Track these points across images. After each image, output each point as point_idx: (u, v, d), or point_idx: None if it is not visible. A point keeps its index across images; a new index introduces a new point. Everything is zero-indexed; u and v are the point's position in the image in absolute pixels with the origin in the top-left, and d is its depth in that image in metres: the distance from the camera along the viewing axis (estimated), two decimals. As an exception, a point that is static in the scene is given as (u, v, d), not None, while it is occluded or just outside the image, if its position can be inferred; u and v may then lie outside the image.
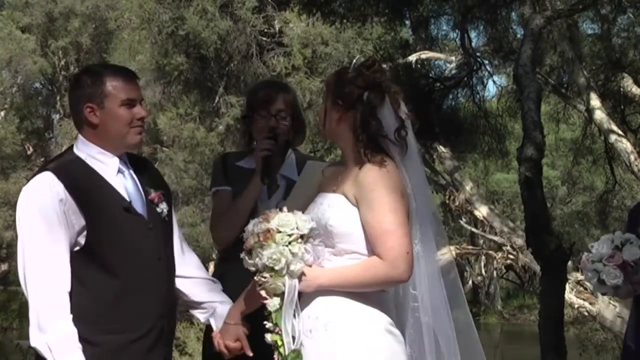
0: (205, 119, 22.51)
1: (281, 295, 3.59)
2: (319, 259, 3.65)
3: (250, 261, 3.60)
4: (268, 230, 3.56)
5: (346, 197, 3.67)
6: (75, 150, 3.87)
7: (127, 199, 3.82)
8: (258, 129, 4.62)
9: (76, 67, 35.46)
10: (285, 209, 3.64)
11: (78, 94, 3.85)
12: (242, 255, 3.63)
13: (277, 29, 19.11)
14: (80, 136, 3.87)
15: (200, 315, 4.08)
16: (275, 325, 3.60)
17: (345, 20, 13.51)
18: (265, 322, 3.63)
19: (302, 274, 3.60)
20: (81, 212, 3.71)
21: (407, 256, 3.59)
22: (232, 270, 4.24)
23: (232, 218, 4.53)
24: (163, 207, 3.92)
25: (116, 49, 28.78)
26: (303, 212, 3.77)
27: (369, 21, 14.16)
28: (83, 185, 3.75)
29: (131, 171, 3.91)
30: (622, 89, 15.37)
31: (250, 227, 3.63)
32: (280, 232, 3.56)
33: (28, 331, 3.70)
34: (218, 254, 4.73)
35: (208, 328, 4.39)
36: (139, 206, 3.85)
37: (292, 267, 3.56)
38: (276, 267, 3.55)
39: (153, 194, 3.90)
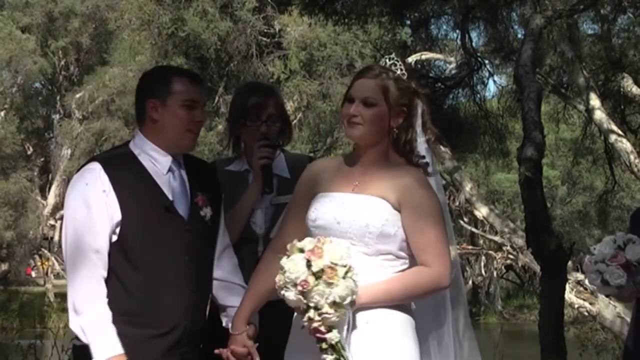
0: (205, 118, 22.56)
1: (336, 325, 3.52)
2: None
3: (305, 301, 3.46)
4: (331, 268, 3.46)
5: (386, 199, 3.64)
6: (130, 144, 3.96)
7: (170, 199, 3.86)
8: (250, 134, 4.62)
9: (76, 67, 35.51)
10: (328, 239, 3.53)
11: (143, 89, 3.95)
12: (294, 296, 3.48)
13: (277, 29, 19.12)
14: (138, 131, 3.96)
15: (223, 318, 4.09)
16: (341, 356, 3.52)
17: (346, 20, 13.51)
18: (324, 357, 3.52)
19: None
20: (120, 205, 3.78)
21: (451, 264, 3.63)
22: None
23: (229, 227, 4.53)
24: (207, 211, 3.95)
25: (116, 49, 28.78)
26: (307, 211, 3.75)
27: (370, 21, 14.16)
28: (127, 180, 3.82)
29: (182, 172, 3.95)
30: (622, 89, 15.37)
31: (299, 267, 3.48)
32: (336, 265, 3.47)
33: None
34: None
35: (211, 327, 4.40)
36: (181, 207, 3.89)
37: (354, 297, 3.51)
38: (345, 302, 3.47)
39: (199, 197, 3.94)
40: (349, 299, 3.47)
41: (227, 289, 4.06)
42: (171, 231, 3.84)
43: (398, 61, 3.76)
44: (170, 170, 3.91)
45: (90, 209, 3.77)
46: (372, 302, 3.58)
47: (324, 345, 3.52)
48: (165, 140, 3.90)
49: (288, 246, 3.55)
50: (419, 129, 3.76)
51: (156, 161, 3.89)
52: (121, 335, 3.73)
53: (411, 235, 3.61)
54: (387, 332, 3.60)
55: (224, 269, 4.07)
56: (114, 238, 3.79)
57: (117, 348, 3.70)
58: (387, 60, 3.76)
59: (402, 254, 3.64)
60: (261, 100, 4.61)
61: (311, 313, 3.48)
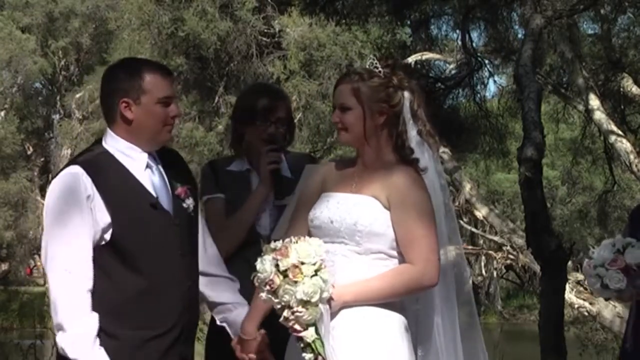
0: (205, 118, 22.52)
1: (313, 323, 3.54)
2: (334, 276, 3.61)
3: (277, 300, 3.51)
4: (295, 266, 3.48)
5: (376, 198, 3.65)
6: (103, 144, 3.81)
7: (154, 195, 3.78)
8: (256, 135, 4.62)
9: (76, 67, 35.51)
10: (294, 238, 3.56)
11: (113, 88, 3.78)
12: (265, 296, 3.55)
13: (276, 29, 19.11)
14: (109, 130, 3.81)
15: (215, 316, 4.06)
16: (318, 354, 3.54)
17: (347, 20, 13.51)
18: (304, 355, 3.56)
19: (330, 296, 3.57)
20: (107, 208, 3.67)
21: (438, 262, 3.61)
22: (233, 273, 4.24)
23: (234, 230, 4.51)
24: (189, 202, 3.87)
25: (116, 49, 28.74)
26: (308, 212, 3.77)
27: (370, 21, 14.16)
28: (111, 181, 3.71)
29: (159, 166, 3.86)
30: (622, 89, 15.36)
31: (267, 267, 3.52)
32: (304, 263, 3.49)
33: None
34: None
35: (210, 328, 4.40)
36: (165, 202, 3.80)
37: (324, 295, 3.52)
38: (313, 299, 3.48)
39: (179, 189, 3.85)
40: (316, 297, 3.48)
41: (216, 285, 4.01)
42: (161, 228, 3.76)
43: (374, 60, 3.77)
44: (148, 166, 3.81)
45: (74, 216, 3.63)
46: (355, 300, 3.60)
47: (302, 344, 3.56)
48: (141, 139, 3.78)
49: (263, 247, 3.59)
50: (410, 122, 3.74)
51: (133, 159, 3.78)
52: (119, 339, 3.66)
53: (398, 233, 3.62)
54: (372, 331, 3.61)
55: (210, 261, 4.01)
56: (104, 241, 3.68)
57: None
58: (369, 61, 3.80)
59: (394, 252, 3.65)
60: (272, 102, 4.62)
61: (285, 312, 3.52)
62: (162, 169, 3.87)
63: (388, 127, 3.72)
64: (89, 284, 3.65)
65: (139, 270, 3.70)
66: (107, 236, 3.69)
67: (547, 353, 8.36)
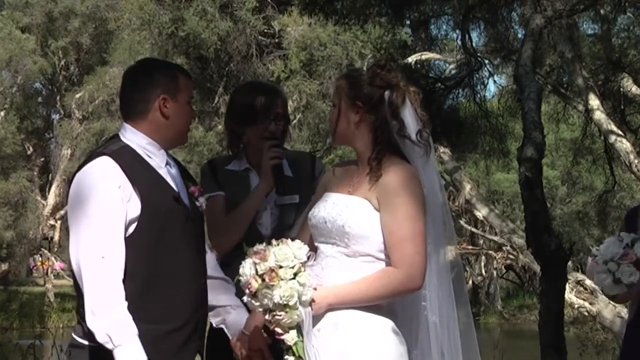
0: (205, 118, 22.54)
1: (296, 326, 3.55)
2: (319, 277, 3.61)
3: (257, 303, 3.53)
4: (271, 270, 3.49)
5: (368, 200, 3.63)
6: (123, 139, 3.83)
7: (175, 190, 3.82)
8: (257, 133, 4.63)
9: (76, 67, 35.49)
10: (273, 241, 3.57)
11: (152, 84, 3.82)
12: (246, 299, 3.58)
13: (276, 29, 19.12)
14: (128, 126, 3.83)
15: (212, 319, 4.07)
16: (300, 357, 3.55)
17: (346, 20, 13.50)
18: (286, 357, 3.58)
19: (311, 299, 3.56)
20: (139, 199, 3.68)
21: (422, 265, 3.58)
22: (233, 275, 4.24)
23: (234, 226, 4.52)
24: (202, 201, 3.94)
25: (116, 49, 28.78)
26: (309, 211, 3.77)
27: (369, 21, 14.16)
28: (139, 173, 3.73)
29: (174, 165, 3.93)
30: (622, 89, 15.37)
31: (246, 270, 3.55)
32: (282, 267, 3.50)
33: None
34: (217, 258, 4.73)
35: (210, 328, 4.39)
36: (183, 197, 3.86)
37: (304, 298, 3.52)
38: (290, 303, 3.49)
39: (193, 188, 3.93)
40: (293, 300, 3.48)
41: (214, 287, 4.02)
42: (180, 222, 3.79)
43: (373, 60, 3.83)
44: (167, 163, 3.86)
45: (108, 206, 3.63)
46: (339, 302, 3.59)
47: (284, 347, 3.57)
48: (166, 136, 3.83)
49: (246, 250, 3.61)
50: (412, 122, 3.70)
51: (153, 154, 3.82)
52: (139, 334, 3.64)
53: (384, 235, 3.60)
54: (357, 335, 3.59)
55: (208, 264, 4.02)
56: (129, 232, 3.67)
57: (143, 355, 3.58)
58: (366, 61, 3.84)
59: (382, 255, 3.62)
60: (270, 99, 4.64)
61: (267, 316, 3.53)
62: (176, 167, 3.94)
63: (369, 125, 3.70)
64: (122, 273, 3.64)
65: (158, 264, 3.70)
66: (131, 228, 3.69)
67: (547, 353, 8.35)
